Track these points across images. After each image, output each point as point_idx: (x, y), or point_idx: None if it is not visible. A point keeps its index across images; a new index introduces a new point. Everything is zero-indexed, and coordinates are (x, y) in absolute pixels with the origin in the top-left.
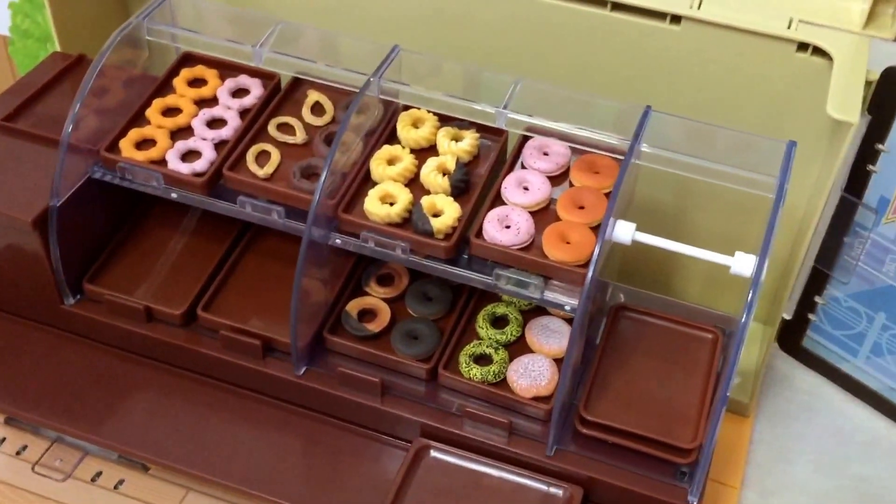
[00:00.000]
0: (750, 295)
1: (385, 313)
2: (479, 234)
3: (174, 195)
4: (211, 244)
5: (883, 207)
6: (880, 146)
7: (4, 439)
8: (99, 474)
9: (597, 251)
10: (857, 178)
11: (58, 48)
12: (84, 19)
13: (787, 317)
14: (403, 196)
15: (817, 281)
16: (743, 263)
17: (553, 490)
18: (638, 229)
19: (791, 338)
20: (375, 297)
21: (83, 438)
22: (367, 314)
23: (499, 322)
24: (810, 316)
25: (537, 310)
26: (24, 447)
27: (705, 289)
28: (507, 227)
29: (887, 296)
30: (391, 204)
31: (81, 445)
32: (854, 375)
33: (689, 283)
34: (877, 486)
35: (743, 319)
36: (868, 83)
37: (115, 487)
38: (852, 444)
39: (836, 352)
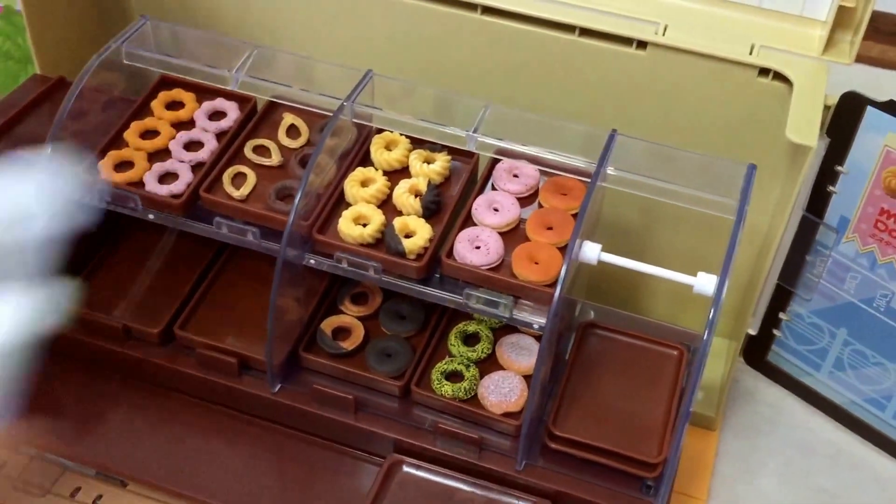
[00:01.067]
0: (711, 313)
1: (359, 331)
2: (451, 254)
3: (151, 216)
4: (188, 264)
5: (843, 227)
6: (839, 168)
7: None
8: (78, 489)
9: (563, 271)
10: (818, 199)
11: (38, 70)
12: (64, 42)
13: (753, 332)
14: (376, 217)
15: (781, 298)
16: (705, 283)
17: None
18: (604, 249)
19: (756, 353)
20: (350, 316)
21: (62, 455)
22: (342, 332)
23: (470, 340)
24: (775, 332)
25: (508, 328)
26: (4, 463)
27: (671, 306)
28: (478, 247)
29: (848, 312)
30: (364, 225)
31: (60, 462)
32: (817, 389)
33: (656, 301)
34: (840, 498)
35: (705, 337)
36: (827, 107)
37: (94, 503)
38: (816, 457)
39: (799, 366)
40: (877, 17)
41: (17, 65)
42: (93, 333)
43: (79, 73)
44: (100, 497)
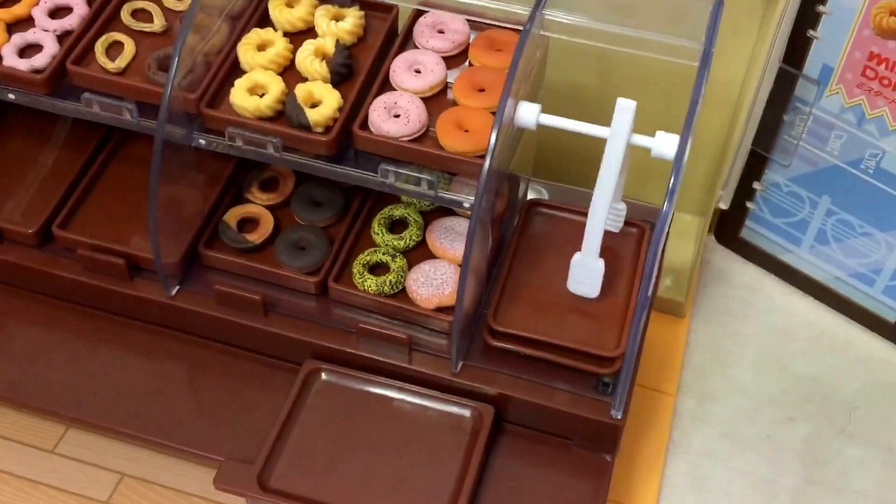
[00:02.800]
0: (672, 180)
1: (268, 222)
2: (365, 125)
3: (11, 95)
4: (69, 154)
5: (826, 78)
6: (821, 7)
7: None
8: None
9: (493, 137)
10: (797, 47)
11: None
12: None
13: (724, 207)
14: (275, 86)
15: (755, 165)
16: (665, 144)
17: (460, 410)
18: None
19: (728, 229)
20: (258, 205)
21: None
22: (249, 223)
23: (397, 226)
24: (748, 205)
25: (440, 211)
26: None
27: (633, 181)
28: (396, 115)
29: (832, 177)
30: (262, 95)
31: None
32: (797, 266)
33: None
34: (823, 384)
35: (664, 209)
36: None
37: None
38: (796, 341)
39: (777, 242)
40: None
41: None
42: None
43: None
44: None
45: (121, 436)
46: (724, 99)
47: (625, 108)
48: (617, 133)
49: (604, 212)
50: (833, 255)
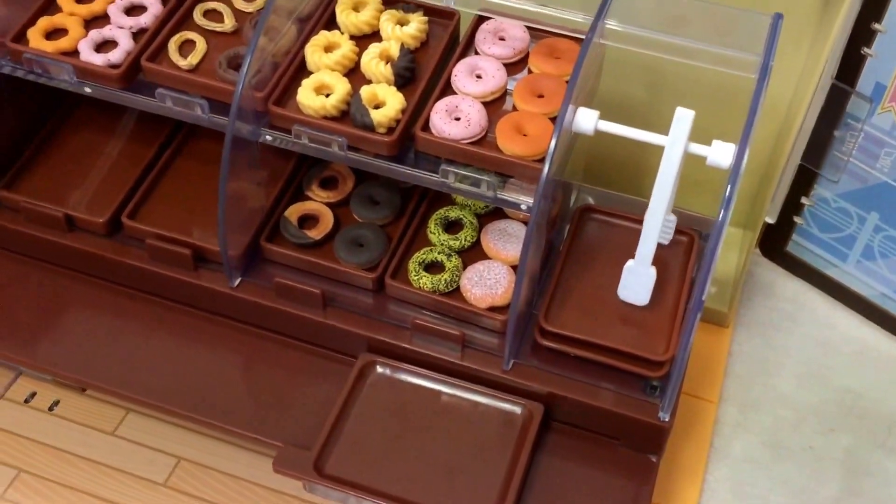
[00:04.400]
0: (728, 189)
1: (328, 219)
2: (426, 127)
3: (88, 90)
4: (139, 147)
5: (878, 95)
6: (876, 25)
7: None
8: (33, 395)
9: (553, 142)
10: (850, 64)
11: None
12: None
13: (771, 221)
14: (341, 86)
15: (804, 181)
16: (721, 153)
17: (510, 407)
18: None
19: (774, 243)
20: (318, 202)
21: (13, 361)
22: (309, 220)
23: (452, 227)
24: (796, 219)
25: (495, 213)
26: None
27: (682, 190)
28: (457, 118)
29: (881, 194)
30: (327, 95)
31: (14, 365)
32: (842, 281)
33: None
34: (865, 398)
35: (720, 217)
36: None
37: (51, 409)
38: (839, 355)
39: (823, 256)
40: None
41: None
42: (33, 224)
43: None
44: (57, 403)
45: (182, 418)
46: (774, 113)
47: (683, 118)
48: (675, 141)
49: (659, 220)
50: (879, 271)
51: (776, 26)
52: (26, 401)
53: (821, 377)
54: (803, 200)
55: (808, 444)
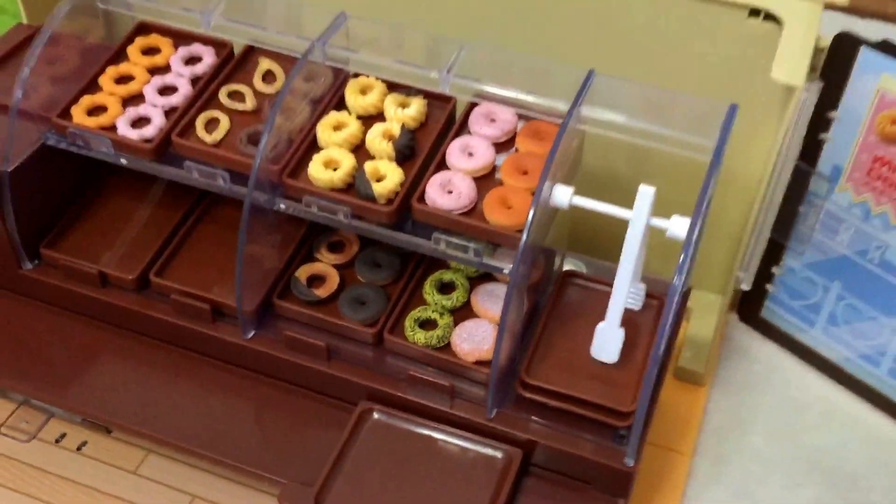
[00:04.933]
0: (681, 257)
1: (334, 279)
2: (422, 198)
3: (123, 161)
4: (166, 212)
5: (836, 176)
6: (832, 113)
7: None
8: (63, 436)
9: (531, 214)
10: (811, 147)
11: (24, 20)
12: None
13: (746, 288)
14: (347, 161)
15: (774, 251)
16: (678, 226)
17: (492, 452)
18: (582, 195)
19: (750, 309)
20: (325, 264)
21: (47, 401)
22: (317, 280)
23: (446, 288)
24: (768, 287)
25: (484, 276)
26: None
27: (658, 258)
28: (450, 191)
29: (842, 265)
30: (335, 169)
31: (47, 408)
32: (811, 346)
33: (649, 254)
34: (832, 456)
35: (674, 281)
36: (820, 50)
37: (79, 449)
38: (808, 414)
39: (793, 322)
40: None
41: (12, 19)
42: (70, 280)
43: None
44: (84, 443)
45: (197, 456)
46: (744, 190)
47: (645, 194)
48: (637, 215)
49: (626, 286)
50: (843, 336)
51: (731, 116)
52: (56, 441)
53: (790, 435)
54: (774, 270)
55: (775, 497)
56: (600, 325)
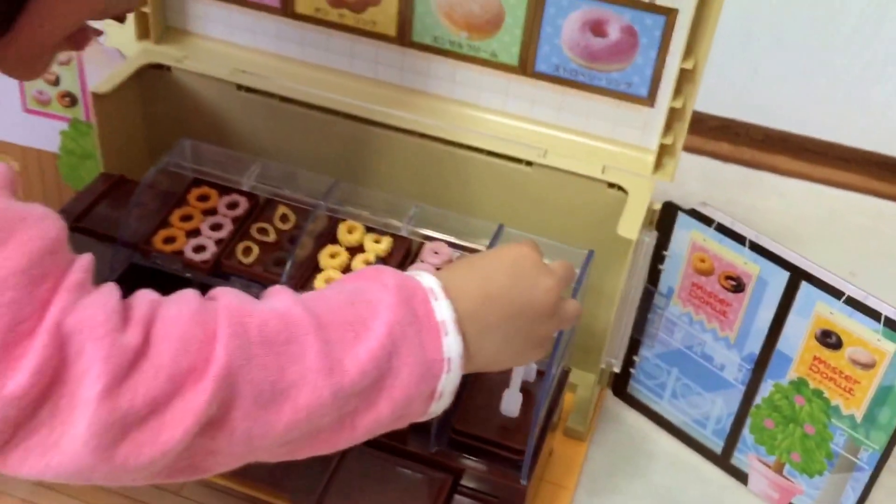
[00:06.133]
0: (553, 350)
1: None
2: None
3: (189, 275)
4: None
5: (670, 294)
6: (665, 252)
7: None
8: (183, 485)
9: None
10: (654, 274)
11: (102, 169)
12: (124, 147)
13: (617, 370)
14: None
15: (634, 345)
16: None
17: (433, 475)
18: None
19: (620, 385)
20: None
21: None
22: None
23: None
24: (631, 370)
25: None
26: None
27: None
28: None
29: (678, 356)
30: None
31: None
32: (661, 413)
33: None
34: (673, 492)
35: (547, 368)
36: (654, 211)
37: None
38: (659, 462)
39: (648, 395)
40: (703, 118)
41: (77, 159)
42: None
43: (142, 176)
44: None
45: (228, 480)
46: (609, 303)
47: None
48: None
49: (520, 370)
50: (682, 405)
51: (589, 259)
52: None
53: (644, 477)
54: (634, 358)
55: None
56: (506, 390)
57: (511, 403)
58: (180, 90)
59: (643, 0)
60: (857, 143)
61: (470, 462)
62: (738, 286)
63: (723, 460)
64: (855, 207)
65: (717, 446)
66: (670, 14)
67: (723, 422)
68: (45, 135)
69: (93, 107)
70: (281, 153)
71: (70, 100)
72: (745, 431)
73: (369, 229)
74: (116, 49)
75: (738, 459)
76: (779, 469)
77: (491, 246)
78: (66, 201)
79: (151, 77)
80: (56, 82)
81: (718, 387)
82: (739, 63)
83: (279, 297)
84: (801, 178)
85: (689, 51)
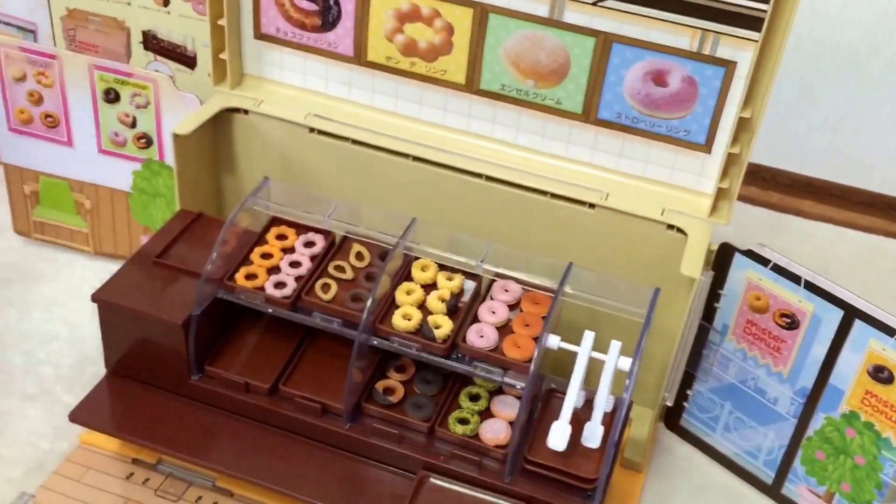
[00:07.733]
0: (627, 381)
1: (400, 390)
2: (465, 340)
3: (270, 310)
4: (288, 341)
5: (725, 331)
6: (720, 291)
7: (133, 473)
8: (200, 498)
9: (535, 353)
10: (709, 311)
11: (178, 206)
12: (199, 186)
13: (670, 404)
14: (416, 315)
15: (688, 379)
16: (624, 363)
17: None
18: (563, 340)
19: (673, 419)
20: (393, 380)
21: (192, 469)
22: (389, 390)
23: (474, 398)
24: (685, 403)
25: (499, 390)
26: (147, 479)
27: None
28: (482, 336)
29: (731, 390)
30: (409, 319)
31: (187, 477)
32: (713, 445)
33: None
34: None
35: (623, 395)
36: (711, 251)
37: None
38: (711, 493)
39: (701, 429)
40: (766, 171)
41: (148, 198)
42: (223, 387)
43: (214, 213)
44: (215, 503)
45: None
46: (667, 339)
47: (587, 336)
48: (582, 352)
49: (572, 400)
50: (734, 438)
51: (655, 296)
52: (196, 500)
53: None
54: (688, 392)
55: None
56: (554, 423)
57: (557, 437)
58: (255, 133)
59: (704, 53)
60: (880, 189)
61: (542, 490)
62: (792, 323)
63: (774, 491)
64: (878, 250)
65: (769, 477)
66: (730, 66)
67: (774, 453)
68: (119, 174)
69: (173, 147)
70: (349, 194)
71: (146, 141)
72: (797, 463)
73: (442, 267)
74: (192, 94)
75: (788, 490)
76: (829, 499)
77: (562, 285)
78: (142, 237)
79: (228, 120)
80: (133, 124)
81: (771, 420)
82: (770, 111)
83: None
84: (825, 221)
85: (748, 100)
